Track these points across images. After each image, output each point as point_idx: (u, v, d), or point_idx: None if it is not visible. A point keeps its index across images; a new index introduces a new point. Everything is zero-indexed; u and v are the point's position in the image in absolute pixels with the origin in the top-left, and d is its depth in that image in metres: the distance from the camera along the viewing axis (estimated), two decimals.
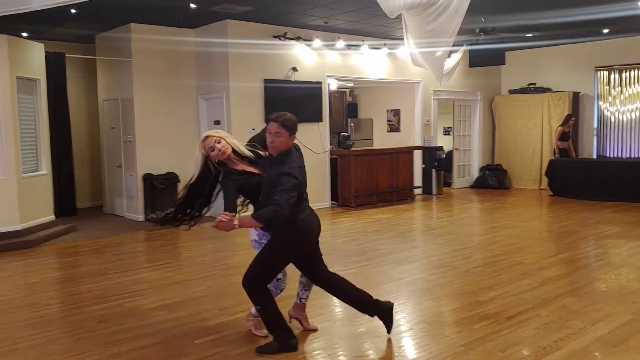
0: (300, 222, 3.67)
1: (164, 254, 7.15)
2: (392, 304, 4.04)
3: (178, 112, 9.58)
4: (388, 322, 3.99)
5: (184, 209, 4.07)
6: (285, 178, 3.49)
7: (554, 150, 11.67)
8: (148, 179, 9.20)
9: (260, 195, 3.72)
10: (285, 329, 3.76)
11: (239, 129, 9.12)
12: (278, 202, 3.38)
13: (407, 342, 3.95)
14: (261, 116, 9.31)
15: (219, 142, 3.79)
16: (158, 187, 9.10)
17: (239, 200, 3.89)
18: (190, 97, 9.72)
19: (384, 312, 3.98)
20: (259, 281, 3.73)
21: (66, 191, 9.51)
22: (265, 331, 3.92)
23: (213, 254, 6.90)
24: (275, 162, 3.68)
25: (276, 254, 3.75)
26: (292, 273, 4.13)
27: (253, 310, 4.02)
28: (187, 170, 9.53)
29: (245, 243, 7.32)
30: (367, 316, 4.05)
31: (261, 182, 3.73)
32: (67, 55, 9.40)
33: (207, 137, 3.82)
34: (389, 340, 3.94)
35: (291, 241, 3.73)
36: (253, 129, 9.22)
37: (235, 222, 3.38)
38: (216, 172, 3.84)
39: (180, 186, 9.33)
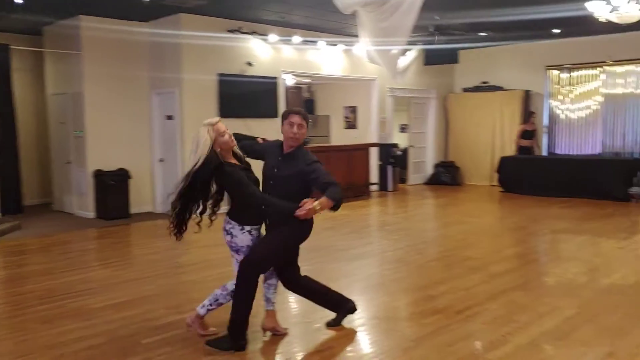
0: None
1: (115, 252, 6.98)
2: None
3: (130, 107, 9.36)
4: (340, 319, 4.04)
5: (188, 201, 3.77)
6: (317, 165, 3.66)
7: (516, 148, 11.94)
8: (99, 175, 8.96)
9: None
10: (243, 329, 3.71)
11: (192, 124, 8.97)
12: (334, 182, 3.54)
13: (360, 338, 3.96)
14: (215, 111, 9.17)
15: (226, 130, 3.68)
16: (109, 183, 8.87)
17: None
18: (143, 92, 9.51)
19: (348, 310, 4.08)
20: (263, 264, 3.70)
21: (11, 188, 9.15)
22: (213, 329, 3.85)
23: (165, 252, 6.77)
24: (289, 156, 3.75)
25: (292, 241, 3.80)
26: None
27: (201, 310, 3.89)
28: (139, 166, 9.35)
29: (198, 240, 7.26)
30: (319, 313, 4.05)
31: (265, 178, 3.80)
32: (12, 47, 9.05)
33: (218, 121, 3.66)
34: (343, 337, 3.93)
35: (306, 230, 3.79)
36: None
37: (318, 206, 3.44)
38: (218, 162, 3.63)
39: (133, 183, 9.14)
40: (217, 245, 6.93)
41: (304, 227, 3.75)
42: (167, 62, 9.14)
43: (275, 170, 3.77)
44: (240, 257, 3.71)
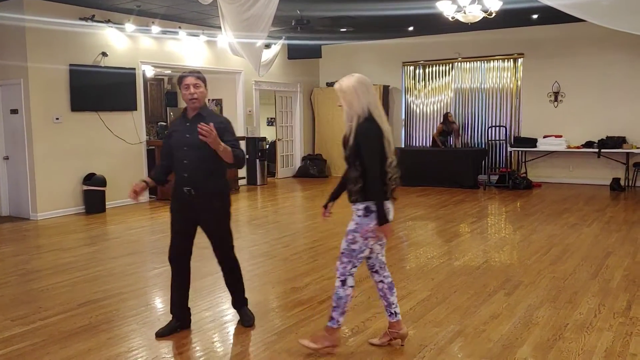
0: None
1: None
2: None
3: None
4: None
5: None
6: (229, 125, 3.83)
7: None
8: None
9: None
10: None
11: (40, 118, 8.28)
12: (241, 150, 3.74)
13: (222, 336, 3.88)
14: (67, 104, 8.54)
15: None
16: None
17: None
18: None
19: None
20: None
21: None
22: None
23: (10, 258, 6.17)
24: (197, 118, 3.67)
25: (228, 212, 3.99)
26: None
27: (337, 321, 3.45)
28: None
29: (47, 245, 6.75)
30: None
31: None
32: None
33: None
34: (206, 334, 3.83)
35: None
36: (57, 119, 8.47)
37: (222, 146, 3.49)
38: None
39: None
40: (70, 248, 6.50)
41: (228, 196, 3.93)
42: (9, 50, 8.32)
43: (187, 135, 3.67)
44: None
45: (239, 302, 4.06)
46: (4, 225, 8.03)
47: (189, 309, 3.97)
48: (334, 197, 3.76)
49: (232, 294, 4.06)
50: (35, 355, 3.53)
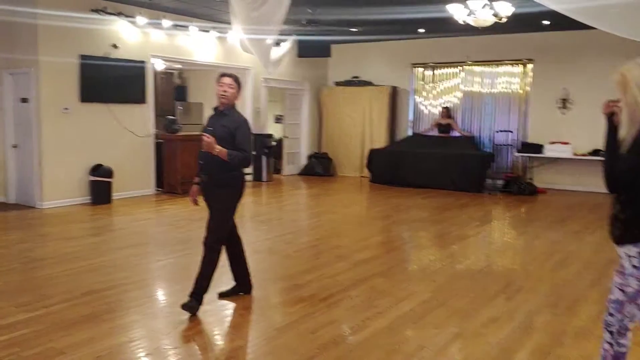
0: None
1: None
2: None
3: None
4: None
5: None
6: (242, 130, 4.17)
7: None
8: None
9: None
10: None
11: (50, 108, 8.34)
12: (245, 151, 4.08)
13: (224, 330, 3.92)
14: (76, 95, 8.59)
15: None
16: None
17: None
18: None
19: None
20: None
21: None
22: None
23: (15, 245, 6.23)
24: (222, 114, 4.20)
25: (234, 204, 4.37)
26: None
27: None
28: None
29: (52, 234, 6.80)
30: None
31: None
32: None
33: None
34: (208, 329, 3.87)
35: (241, 190, 4.39)
36: (66, 109, 8.53)
37: (217, 149, 3.98)
38: None
39: None
40: (75, 237, 6.56)
41: (239, 187, 4.25)
42: (21, 40, 8.38)
43: (210, 128, 4.14)
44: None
45: (192, 292, 4.09)
46: (11, 212, 8.09)
47: (248, 276, 4.52)
48: None
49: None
50: (39, 341, 3.58)
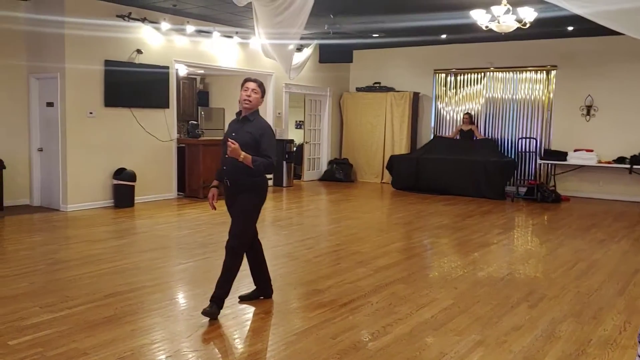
0: None
1: None
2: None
3: (4, 92, 8.63)
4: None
5: None
6: (266, 137, 4.17)
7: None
8: None
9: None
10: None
11: (75, 112, 8.47)
12: (270, 157, 4.14)
13: (244, 333, 3.92)
14: (101, 99, 8.72)
15: None
16: None
17: None
18: (20, 76, 8.80)
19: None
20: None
21: None
22: None
23: (40, 247, 6.33)
24: (245, 120, 4.23)
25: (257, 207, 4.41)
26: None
27: None
28: (15, 155, 8.67)
29: (76, 236, 6.89)
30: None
31: None
32: None
33: None
34: (228, 332, 3.88)
35: (264, 194, 4.44)
36: (91, 113, 8.65)
37: (242, 155, 4.01)
38: None
39: (7, 173, 8.48)
40: (98, 240, 6.64)
41: (262, 193, 4.27)
42: (48, 45, 8.53)
43: (234, 133, 4.16)
44: None
45: (213, 296, 4.11)
46: (35, 215, 8.22)
47: (269, 281, 4.56)
48: None
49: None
50: (62, 342, 3.62)
